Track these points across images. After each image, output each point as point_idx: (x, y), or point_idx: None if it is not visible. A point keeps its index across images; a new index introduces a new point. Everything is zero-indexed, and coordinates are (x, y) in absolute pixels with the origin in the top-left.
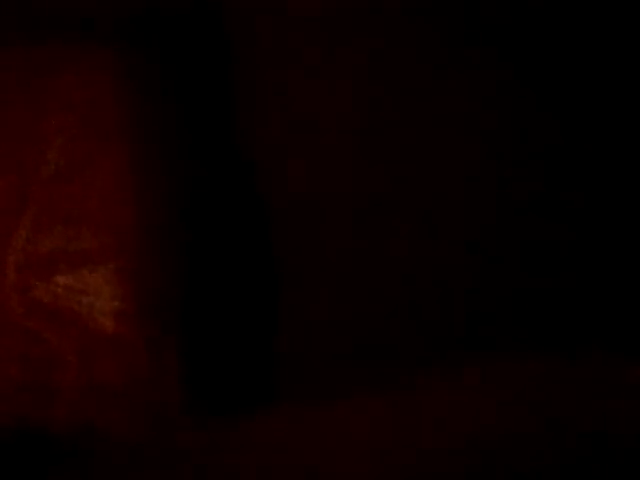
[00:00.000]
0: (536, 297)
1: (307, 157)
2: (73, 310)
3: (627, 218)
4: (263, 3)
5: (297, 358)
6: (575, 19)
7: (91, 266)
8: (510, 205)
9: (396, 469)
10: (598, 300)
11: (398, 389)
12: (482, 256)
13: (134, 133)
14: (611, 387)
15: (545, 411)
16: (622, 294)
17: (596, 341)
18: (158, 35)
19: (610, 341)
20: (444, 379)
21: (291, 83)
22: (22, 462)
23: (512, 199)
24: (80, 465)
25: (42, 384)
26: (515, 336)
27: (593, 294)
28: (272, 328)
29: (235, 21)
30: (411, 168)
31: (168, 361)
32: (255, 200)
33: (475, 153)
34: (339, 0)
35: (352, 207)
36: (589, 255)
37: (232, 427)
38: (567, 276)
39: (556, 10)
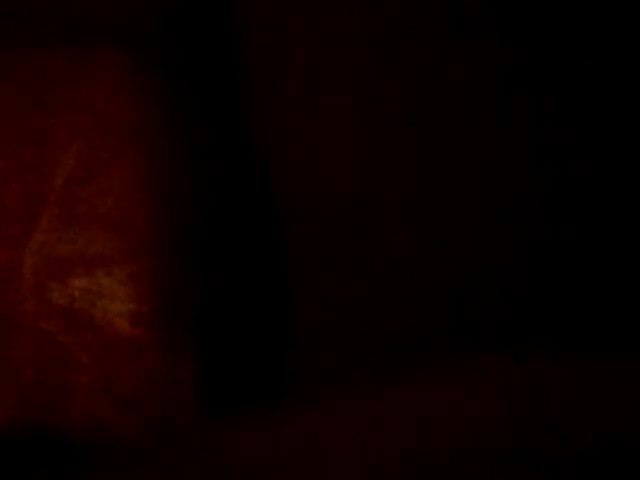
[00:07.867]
0: (537, 297)
1: (321, 155)
2: (88, 312)
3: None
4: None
5: (307, 359)
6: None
7: (106, 268)
8: (512, 205)
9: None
10: (594, 300)
11: (399, 385)
12: (481, 253)
13: (149, 135)
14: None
15: (542, 410)
16: (618, 296)
17: (598, 340)
18: (172, 36)
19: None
20: (442, 375)
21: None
22: (37, 463)
23: (514, 200)
24: (95, 466)
25: (57, 386)
26: (514, 335)
27: (589, 295)
28: (285, 329)
29: (245, 17)
30: (414, 164)
31: (183, 363)
32: (270, 201)
33: (478, 152)
34: None
35: (357, 206)
36: (588, 255)
37: (247, 428)
38: (564, 277)
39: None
